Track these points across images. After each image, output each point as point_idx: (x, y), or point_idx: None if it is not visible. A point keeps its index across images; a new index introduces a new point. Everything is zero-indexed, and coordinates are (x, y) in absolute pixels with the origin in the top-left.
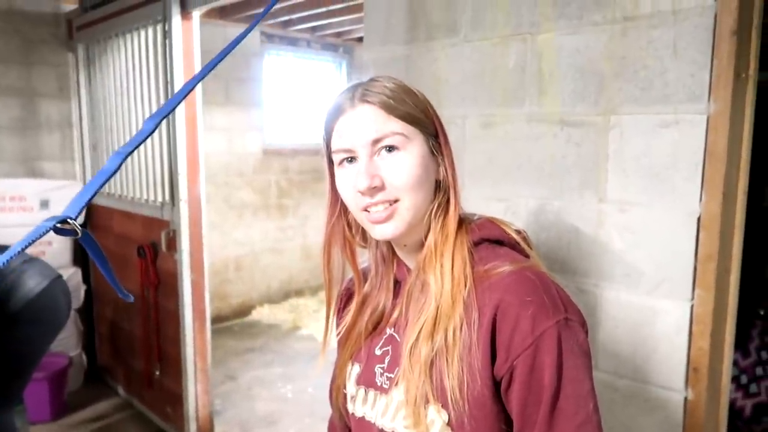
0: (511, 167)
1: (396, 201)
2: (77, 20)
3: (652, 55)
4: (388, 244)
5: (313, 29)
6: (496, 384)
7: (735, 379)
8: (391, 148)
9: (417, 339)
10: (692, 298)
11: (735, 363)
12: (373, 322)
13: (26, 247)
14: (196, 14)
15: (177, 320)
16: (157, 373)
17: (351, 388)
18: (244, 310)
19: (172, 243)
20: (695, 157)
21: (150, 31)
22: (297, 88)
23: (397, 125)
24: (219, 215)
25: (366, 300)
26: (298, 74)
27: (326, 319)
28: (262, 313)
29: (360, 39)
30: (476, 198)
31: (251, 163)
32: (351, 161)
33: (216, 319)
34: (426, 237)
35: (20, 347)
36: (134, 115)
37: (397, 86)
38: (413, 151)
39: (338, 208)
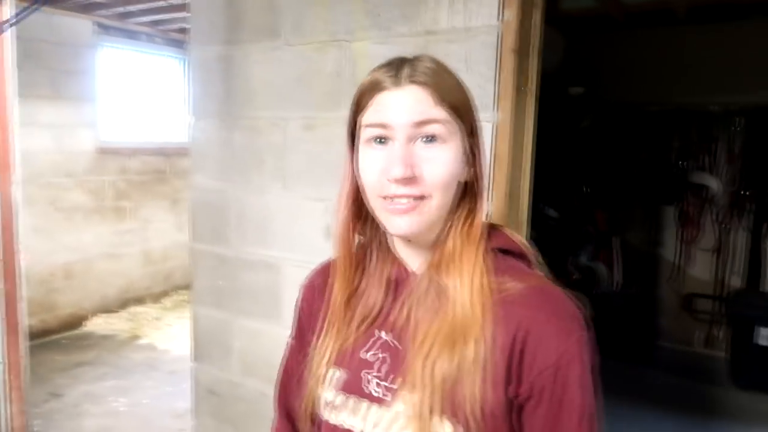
0: (331, 168)
1: (422, 198)
2: None
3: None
4: (385, 238)
5: (155, 23)
6: (509, 400)
7: None
8: (431, 139)
9: (433, 350)
10: None
11: None
12: (363, 322)
13: None
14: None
15: None
16: None
17: (329, 394)
18: (75, 322)
19: None
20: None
21: None
22: (137, 84)
23: (444, 114)
24: (45, 219)
25: (356, 296)
26: (139, 69)
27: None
28: (95, 324)
29: None
30: (299, 198)
31: (83, 163)
32: (382, 142)
33: (41, 333)
34: (443, 239)
35: None
36: None
37: (448, 73)
38: (452, 146)
39: (354, 189)
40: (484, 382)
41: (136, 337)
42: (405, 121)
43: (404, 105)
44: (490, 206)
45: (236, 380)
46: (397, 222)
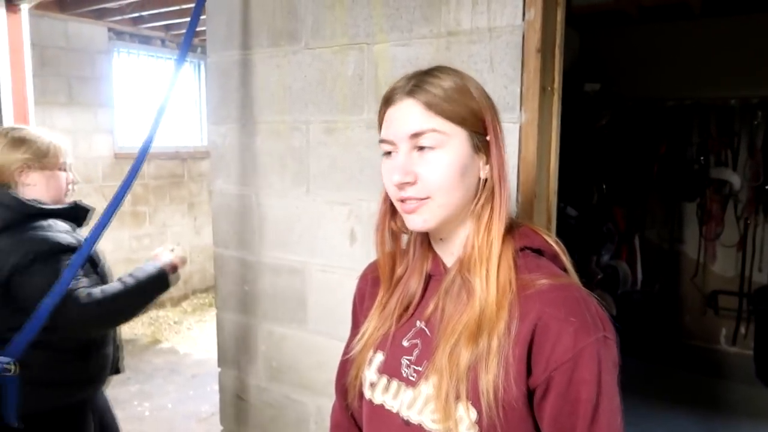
0: (353, 171)
1: (426, 198)
2: None
3: (473, 67)
4: (425, 234)
5: (167, 27)
6: (529, 392)
7: None
8: (428, 147)
9: (458, 341)
10: None
11: None
12: (401, 307)
13: None
14: (25, 7)
15: None
16: None
17: (372, 374)
18: None
19: None
20: (511, 162)
21: None
22: (151, 89)
23: (438, 122)
24: None
25: (398, 283)
26: (153, 74)
27: (380, 300)
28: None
29: None
30: (322, 202)
31: (101, 168)
32: (391, 153)
33: None
34: (468, 234)
35: None
36: None
37: (452, 82)
38: (452, 150)
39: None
40: (504, 374)
41: (156, 341)
42: (402, 135)
43: (401, 120)
44: (516, 208)
45: (263, 385)
46: (411, 219)
